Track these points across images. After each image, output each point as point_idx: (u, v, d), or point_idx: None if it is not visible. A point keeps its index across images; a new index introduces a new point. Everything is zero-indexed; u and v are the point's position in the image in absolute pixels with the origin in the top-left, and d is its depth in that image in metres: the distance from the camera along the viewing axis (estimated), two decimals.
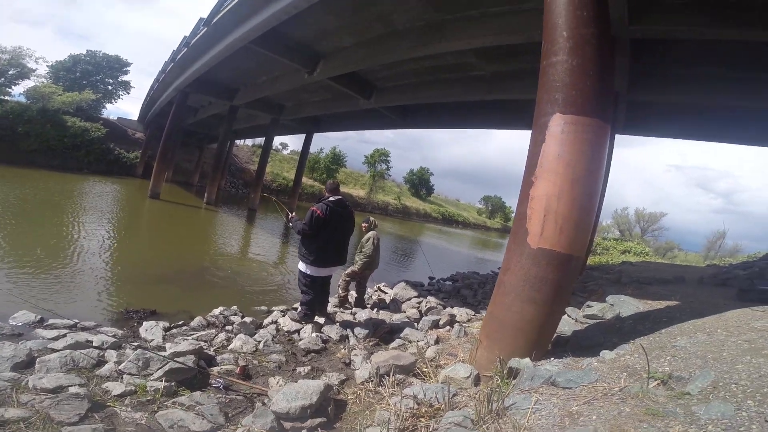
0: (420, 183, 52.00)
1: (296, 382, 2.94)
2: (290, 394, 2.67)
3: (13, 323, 3.80)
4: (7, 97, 23.74)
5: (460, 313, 5.71)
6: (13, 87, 25.01)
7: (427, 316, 5.48)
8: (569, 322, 3.85)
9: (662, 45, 6.80)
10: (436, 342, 4.41)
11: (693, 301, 4.19)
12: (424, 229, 35.24)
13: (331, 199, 4.69)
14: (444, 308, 6.07)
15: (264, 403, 2.90)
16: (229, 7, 9.98)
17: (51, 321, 3.89)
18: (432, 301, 6.42)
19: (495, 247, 29.80)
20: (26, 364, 2.92)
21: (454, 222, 50.72)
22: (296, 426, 2.56)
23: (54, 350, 3.16)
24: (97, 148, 25.06)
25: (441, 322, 5.21)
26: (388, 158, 43.64)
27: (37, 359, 2.95)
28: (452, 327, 5.03)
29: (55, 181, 17.39)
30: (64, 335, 3.53)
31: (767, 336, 2.51)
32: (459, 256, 20.05)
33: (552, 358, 2.85)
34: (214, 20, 11.05)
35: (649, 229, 37.03)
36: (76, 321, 3.99)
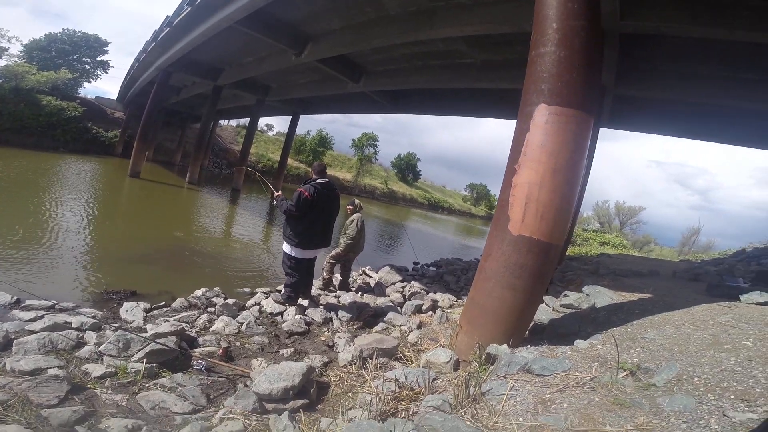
0: (407, 168, 51.90)
1: (279, 363, 2.97)
2: (273, 375, 2.69)
3: None
4: None
5: (443, 298, 5.81)
6: None
7: (410, 300, 5.55)
8: (547, 311, 3.95)
9: (652, 41, 6.82)
10: (419, 327, 4.50)
11: (665, 295, 4.32)
12: (409, 214, 35.36)
13: (318, 181, 4.66)
14: (427, 293, 6.16)
15: (246, 385, 2.92)
16: None
17: (28, 302, 3.80)
18: (416, 286, 6.50)
19: (479, 234, 30.08)
20: (3, 347, 2.88)
21: (439, 208, 50.97)
22: (278, 407, 2.59)
23: (32, 332, 3.10)
24: (74, 127, 24.24)
25: (424, 307, 5.29)
26: (376, 142, 43.44)
27: (14, 341, 2.91)
28: (434, 312, 5.12)
29: (30, 159, 16.72)
30: (42, 317, 3.46)
31: (731, 331, 2.62)
32: (443, 242, 20.23)
33: (528, 346, 2.93)
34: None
35: (627, 222, 37.71)
36: (54, 302, 3.91)
